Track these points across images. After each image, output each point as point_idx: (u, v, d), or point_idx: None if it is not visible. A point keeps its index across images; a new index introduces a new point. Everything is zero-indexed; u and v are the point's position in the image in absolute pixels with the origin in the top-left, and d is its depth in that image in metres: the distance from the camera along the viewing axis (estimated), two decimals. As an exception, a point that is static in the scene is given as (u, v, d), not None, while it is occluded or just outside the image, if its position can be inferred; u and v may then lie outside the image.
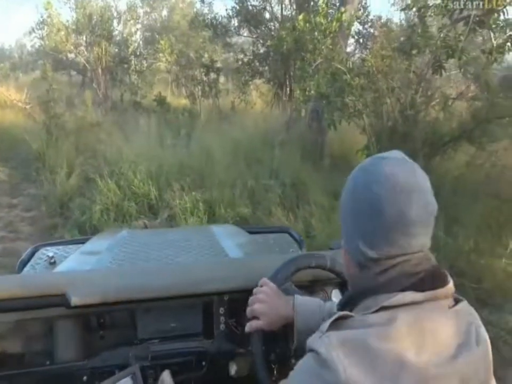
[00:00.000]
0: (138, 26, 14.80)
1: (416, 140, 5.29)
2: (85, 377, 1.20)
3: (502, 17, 5.85)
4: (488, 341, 0.75)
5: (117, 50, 11.73)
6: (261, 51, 10.25)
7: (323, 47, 4.34)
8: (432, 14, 5.16)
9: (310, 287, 1.34)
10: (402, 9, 5.63)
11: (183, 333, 1.30)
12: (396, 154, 0.79)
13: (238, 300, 1.27)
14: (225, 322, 1.30)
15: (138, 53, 12.43)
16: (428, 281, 0.72)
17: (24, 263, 1.89)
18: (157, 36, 12.52)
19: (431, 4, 5.09)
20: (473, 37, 6.19)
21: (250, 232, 2.27)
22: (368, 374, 0.64)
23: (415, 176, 0.74)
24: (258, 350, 1.07)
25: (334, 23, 4.31)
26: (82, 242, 2.09)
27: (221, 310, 1.30)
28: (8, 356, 1.18)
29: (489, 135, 4.60)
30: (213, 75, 10.04)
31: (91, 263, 1.68)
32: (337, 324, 0.71)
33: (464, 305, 0.76)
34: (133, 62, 11.97)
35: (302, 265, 1.18)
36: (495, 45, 5.79)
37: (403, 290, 0.71)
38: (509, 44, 5.74)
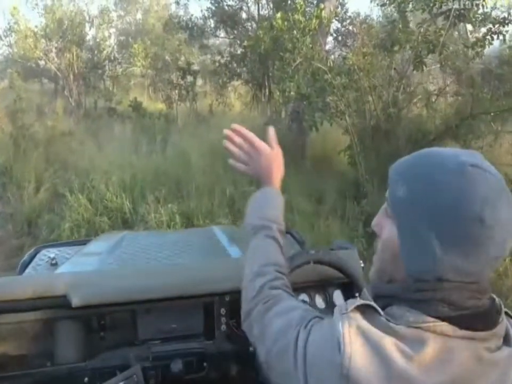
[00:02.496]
0: (112, 30, 14.43)
1: (399, 138, 5.12)
2: (86, 378, 1.20)
3: (480, 10, 5.76)
4: None
5: (89, 55, 11.34)
6: (238, 52, 10.04)
7: (302, 46, 4.11)
8: (412, 9, 4.99)
9: (311, 288, 1.33)
10: (382, 5, 5.45)
11: (184, 334, 1.30)
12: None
13: (239, 300, 1.23)
14: (226, 323, 1.30)
15: (112, 58, 12.05)
16: (470, 320, 0.65)
17: (26, 265, 1.90)
18: (131, 40, 12.17)
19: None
20: (453, 32, 6.08)
21: None
22: (373, 379, 0.62)
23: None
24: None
25: (314, 21, 4.10)
26: (84, 243, 2.10)
27: (222, 311, 1.30)
28: (9, 357, 1.18)
29: (474, 131, 4.44)
30: (189, 78, 9.77)
31: (92, 265, 1.68)
32: (363, 310, 0.68)
33: (508, 351, 0.67)
34: (107, 67, 11.60)
35: (315, 259, 1.18)
36: (475, 39, 5.69)
37: (441, 319, 0.65)
38: (489, 37, 5.63)
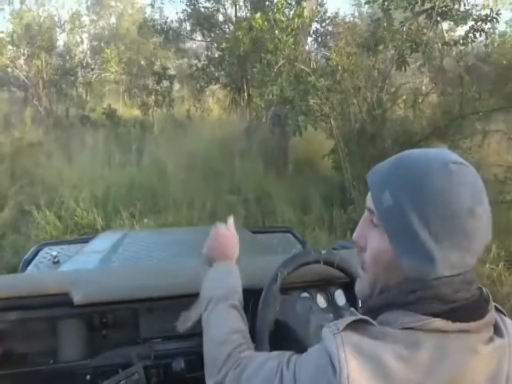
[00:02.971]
0: (85, 35, 13.99)
1: (385, 141, 4.91)
2: (88, 376, 1.19)
3: (462, 8, 5.64)
4: None
5: (60, 62, 10.89)
6: (216, 55, 9.80)
7: (285, 46, 3.85)
8: (395, 7, 4.80)
9: (313, 287, 1.32)
10: (367, 2, 5.24)
11: (185, 332, 1.24)
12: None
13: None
14: None
15: (85, 64, 11.62)
16: (462, 312, 0.66)
17: (28, 262, 1.91)
18: (104, 45, 11.78)
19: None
20: (435, 30, 5.94)
21: (254, 232, 2.25)
22: None
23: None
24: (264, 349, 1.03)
25: (296, 20, 3.84)
26: (86, 241, 2.08)
27: None
28: (12, 354, 1.18)
29: (463, 131, 4.26)
30: (166, 83, 9.46)
31: (94, 263, 1.68)
32: (355, 326, 0.66)
33: (501, 342, 0.68)
34: (79, 73, 11.16)
35: (310, 260, 1.18)
36: (458, 37, 5.56)
37: (433, 315, 0.65)
38: (471, 35, 5.51)
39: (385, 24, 4.65)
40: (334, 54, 4.40)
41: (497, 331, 0.70)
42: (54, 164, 6.01)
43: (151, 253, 1.82)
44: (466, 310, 0.66)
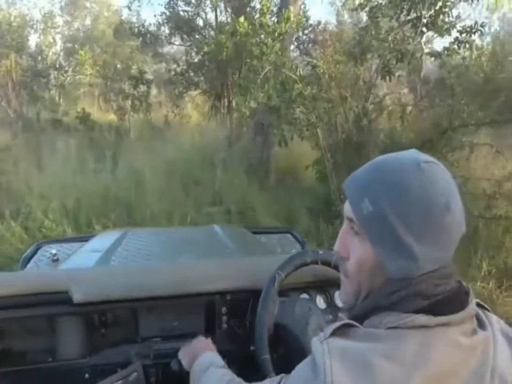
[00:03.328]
0: (58, 36, 13.51)
1: (372, 152, 4.78)
2: (87, 375, 1.20)
3: (446, 19, 5.61)
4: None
5: (32, 63, 10.44)
6: (196, 60, 9.56)
7: (271, 52, 3.66)
8: (382, 16, 4.69)
9: (312, 288, 1.32)
10: (354, 9, 5.13)
11: (185, 332, 1.29)
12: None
13: (240, 299, 1.28)
14: (227, 322, 1.31)
15: (58, 66, 11.19)
16: (442, 305, 0.67)
17: (28, 260, 1.92)
18: (78, 47, 11.38)
19: (383, 3, 4.60)
20: (420, 40, 5.90)
21: (254, 233, 2.24)
22: None
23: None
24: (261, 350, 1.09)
25: (283, 24, 3.65)
26: (85, 240, 2.08)
27: (223, 310, 1.30)
28: (11, 352, 1.18)
29: (452, 144, 4.17)
30: (143, 87, 9.16)
31: (94, 261, 1.68)
32: (340, 332, 0.68)
33: (484, 335, 0.69)
34: (52, 75, 10.72)
35: (308, 261, 1.19)
36: (443, 48, 5.52)
37: (415, 311, 0.66)
38: (455, 46, 5.47)
39: (373, 32, 4.53)
40: (321, 62, 4.24)
41: (480, 324, 0.71)
42: (22, 170, 5.62)
43: (151, 252, 1.83)
44: (447, 303, 0.67)
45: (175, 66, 9.69)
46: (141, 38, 9.34)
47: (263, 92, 3.57)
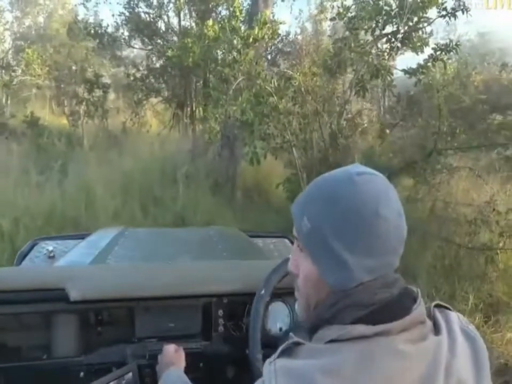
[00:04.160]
0: (7, 33, 12.58)
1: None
2: (81, 373, 1.20)
3: (424, 35, 5.47)
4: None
5: (-26, 60, 9.54)
6: (157, 65, 9.05)
7: (245, 59, 3.25)
8: (360, 28, 4.43)
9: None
10: (331, 19, 4.85)
11: (181, 334, 1.30)
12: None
13: (237, 303, 1.30)
14: (223, 324, 1.31)
15: (5, 65, 10.31)
16: (379, 314, 0.66)
17: (23, 256, 1.93)
18: (23, 44, 10.56)
19: (361, 15, 4.33)
20: (395, 56, 5.74)
21: (250, 236, 2.23)
22: None
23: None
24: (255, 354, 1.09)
25: (258, 29, 3.26)
26: (82, 237, 2.06)
27: (220, 312, 1.31)
28: (5, 348, 1.18)
29: (433, 166, 3.94)
30: (99, 92, 8.53)
31: (90, 259, 1.67)
32: (288, 351, 0.69)
33: (435, 340, 0.67)
34: (-1, 74, 9.86)
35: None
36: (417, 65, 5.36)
37: (354, 322, 0.66)
38: (429, 64, 5.32)
39: (352, 44, 4.24)
40: (298, 74, 3.90)
41: (436, 328, 0.70)
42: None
43: (148, 251, 1.83)
44: (386, 311, 0.66)
45: (134, 71, 9.22)
46: (97, 39, 8.76)
47: (236, 104, 3.17)
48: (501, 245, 3.80)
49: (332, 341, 0.65)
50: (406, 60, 5.98)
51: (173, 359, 1.15)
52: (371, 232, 0.65)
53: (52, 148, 6.79)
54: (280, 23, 3.58)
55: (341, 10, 4.27)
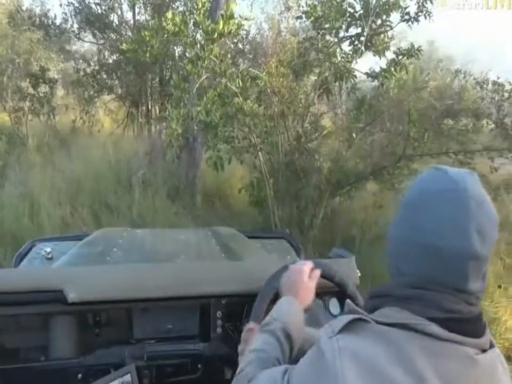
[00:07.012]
0: None
1: (315, 177, 4.31)
2: (79, 375, 1.20)
3: (386, 39, 5.43)
4: None
5: None
6: (110, 61, 8.55)
7: (209, 56, 3.00)
8: (329, 28, 4.27)
9: None
10: (297, 17, 4.66)
11: (179, 335, 1.31)
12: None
13: (235, 304, 1.30)
14: (222, 325, 1.31)
15: None
16: (456, 324, 0.65)
17: (21, 257, 1.90)
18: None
19: (330, 14, 4.17)
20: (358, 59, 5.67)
21: (248, 237, 2.24)
22: None
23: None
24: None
25: (223, 23, 3.01)
26: (80, 239, 2.05)
27: (218, 314, 1.31)
28: (3, 350, 1.19)
29: (401, 172, 3.87)
30: (45, 87, 7.91)
31: (89, 260, 1.68)
32: (350, 327, 0.66)
33: (490, 356, 0.69)
34: None
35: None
36: (380, 68, 5.31)
37: (430, 320, 0.65)
38: (392, 68, 5.28)
39: (319, 45, 4.08)
40: (264, 73, 3.68)
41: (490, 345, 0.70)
42: None
43: (146, 252, 1.82)
44: (464, 324, 0.66)
45: (85, 66, 8.67)
46: (43, 30, 8.15)
47: (200, 105, 2.91)
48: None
49: (398, 324, 0.64)
50: (366, 63, 5.92)
51: (303, 290, 1.06)
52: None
53: (-9, 148, 6.19)
54: (246, 18, 3.34)
55: (308, 9, 4.09)
